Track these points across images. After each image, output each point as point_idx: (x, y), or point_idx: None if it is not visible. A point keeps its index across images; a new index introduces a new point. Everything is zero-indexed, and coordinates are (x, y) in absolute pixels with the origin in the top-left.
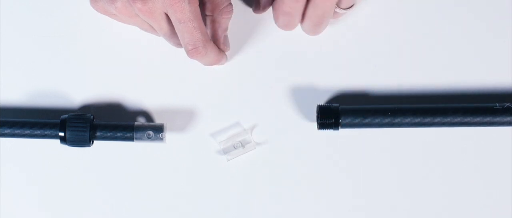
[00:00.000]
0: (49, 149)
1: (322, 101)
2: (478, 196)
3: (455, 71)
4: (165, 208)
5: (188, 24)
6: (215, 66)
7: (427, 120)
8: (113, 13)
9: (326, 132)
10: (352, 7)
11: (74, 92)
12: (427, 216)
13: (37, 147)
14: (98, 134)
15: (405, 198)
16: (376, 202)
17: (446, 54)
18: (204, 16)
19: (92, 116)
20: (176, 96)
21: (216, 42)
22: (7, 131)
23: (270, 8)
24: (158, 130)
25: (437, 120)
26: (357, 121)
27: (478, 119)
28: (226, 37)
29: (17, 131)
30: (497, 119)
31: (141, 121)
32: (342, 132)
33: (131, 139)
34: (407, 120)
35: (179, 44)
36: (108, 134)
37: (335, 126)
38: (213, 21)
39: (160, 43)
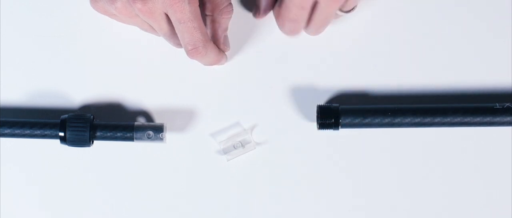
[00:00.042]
0: (49, 149)
1: (322, 101)
2: (478, 196)
3: (455, 71)
4: (165, 208)
5: (188, 24)
6: (215, 66)
7: (427, 120)
8: (113, 13)
9: (326, 132)
10: (353, 9)
11: (74, 92)
12: (427, 216)
13: (37, 147)
14: (98, 134)
15: (405, 198)
16: (376, 202)
17: (446, 54)
18: (204, 16)
19: (92, 116)
20: (176, 96)
21: (216, 42)
22: (7, 131)
23: (271, 13)
24: (158, 130)
25: (437, 120)
26: (357, 121)
27: (478, 119)
28: (226, 37)
29: (17, 131)
30: (497, 119)
31: (141, 121)
32: (342, 132)
33: (131, 139)
34: (407, 120)
35: (179, 44)
36: (108, 134)
37: (335, 126)
38: (213, 21)
39: (160, 43)
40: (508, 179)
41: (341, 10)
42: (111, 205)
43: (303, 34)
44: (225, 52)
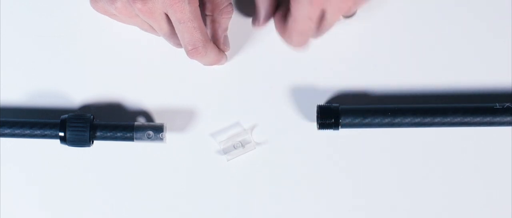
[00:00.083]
0: (49, 149)
1: (322, 101)
2: (478, 196)
3: (455, 71)
4: (165, 208)
5: (188, 24)
6: (215, 66)
7: (427, 120)
8: (113, 13)
9: (326, 132)
10: (354, 14)
11: (74, 92)
12: (427, 216)
13: (37, 147)
14: (98, 134)
15: (405, 198)
16: (376, 202)
17: (446, 54)
18: (204, 16)
19: (92, 116)
20: (176, 96)
21: (216, 42)
22: (7, 131)
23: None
24: (158, 130)
25: (437, 120)
26: (357, 121)
27: (478, 119)
28: (226, 37)
29: (17, 131)
30: (497, 119)
31: (141, 121)
32: (342, 132)
33: (131, 139)
34: (407, 120)
35: (179, 44)
36: (108, 134)
37: (335, 126)
38: (213, 21)
39: (160, 43)
40: (508, 179)
41: (343, 15)
42: (111, 205)
43: None
44: (225, 52)
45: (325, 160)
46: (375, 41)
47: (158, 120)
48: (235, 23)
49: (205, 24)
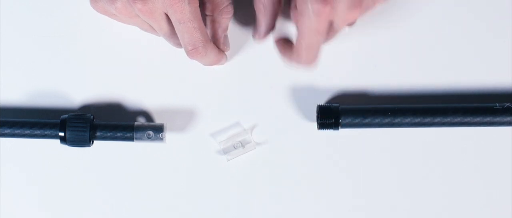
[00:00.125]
0: (49, 149)
1: (322, 101)
2: (478, 196)
3: (455, 71)
4: (165, 208)
5: (188, 24)
6: (215, 66)
7: (427, 120)
8: (113, 14)
9: (326, 132)
10: (354, 23)
11: (74, 92)
12: (427, 216)
13: (37, 147)
14: (98, 134)
15: (405, 198)
16: (376, 202)
17: (446, 54)
18: (204, 16)
19: (92, 116)
20: (176, 96)
21: (216, 43)
22: (7, 131)
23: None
24: (158, 130)
25: (437, 120)
26: (357, 121)
27: (478, 119)
28: (226, 37)
29: (17, 131)
30: (497, 119)
31: (141, 121)
32: (342, 132)
33: (131, 139)
34: (407, 120)
35: (179, 45)
36: (108, 134)
37: (335, 126)
38: (213, 21)
39: (160, 43)
40: (508, 179)
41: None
42: (111, 205)
43: None
44: (225, 52)
45: (325, 160)
46: (375, 41)
47: (158, 120)
48: (235, 23)
49: (205, 24)
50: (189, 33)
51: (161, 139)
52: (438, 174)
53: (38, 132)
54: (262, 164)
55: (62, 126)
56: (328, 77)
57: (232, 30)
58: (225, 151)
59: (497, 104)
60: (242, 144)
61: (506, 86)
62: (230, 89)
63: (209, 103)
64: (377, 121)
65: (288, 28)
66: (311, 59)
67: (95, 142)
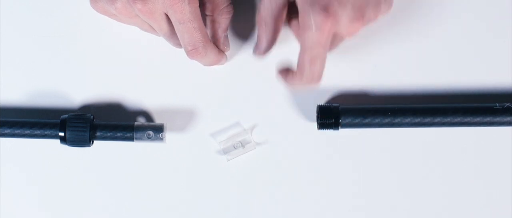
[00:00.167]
0: (49, 149)
1: (322, 101)
2: (478, 196)
3: (455, 71)
4: (165, 208)
5: (188, 24)
6: (215, 66)
7: (427, 120)
8: (113, 14)
9: (326, 132)
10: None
11: (74, 92)
12: (427, 216)
13: (37, 147)
14: (98, 134)
15: (405, 198)
16: (376, 202)
17: (446, 54)
18: (204, 16)
19: (92, 116)
20: (176, 96)
21: (216, 43)
22: (7, 131)
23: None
24: (158, 130)
25: (437, 120)
26: (357, 121)
27: (478, 119)
28: (226, 37)
29: (17, 131)
30: (497, 119)
31: (141, 121)
32: (342, 132)
33: (131, 139)
34: (407, 120)
35: (179, 45)
36: (108, 134)
37: (335, 126)
38: (213, 21)
39: (160, 43)
40: (508, 179)
41: None
42: (111, 205)
43: None
44: (225, 52)
45: (325, 160)
46: (376, 41)
47: (158, 120)
48: (235, 23)
49: (205, 24)
50: (189, 34)
51: (161, 139)
52: (438, 174)
53: (38, 132)
54: (262, 164)
55: (62, 126)
56: (328, 77)
57: (232, 30)
58: (225, 151)
59: (497, 104)
60: (242, 144)
61: (506, 86)
62: (230, 89)
63: (209, 103)
64: (377, 121)
65: (288, 43)
66: (315, 74)
67: (95, 142)
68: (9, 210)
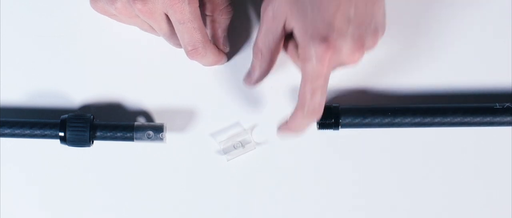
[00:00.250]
0: (49, 149)
1: None
2: (478, 196)
3: (455, 71)
4: (165, 208)
5: (188, 25)
6: (215, 66)
7: (427, 120)
8: (113, 14)
9: (326, 132)
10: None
11: (74, 92)
12: (427, 216)
13: (37, 147)
14: (98, 134)
15: (405, 198)
16: (376, 202)
17: (446, 54)
18: (204, 16)
19: (92, 116)
20: (176, 96)
21: (216, 43)
22: (7, 131)
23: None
24: (158, 130)
25: (437, 120)
26: (357, 120)
27: (478, 119)
28: (226, 37)
29: (17, 131)
30: (497, 119)
31: (141, 121)
32: (342, 132)
33: (131, 139)
34: (407, 120)
35: (179, 45)
36: (108, 134)
37: (335, 126)
38: (213, 21)
39: (160, 43)
40: (508, 179)
41: None
42: (111, 205)
43: None
44: (225, 52)
45: (325, 160)
46: None
47: (158, 120)
48: (235, 23)
49: (205, 24)
50: (189, 34)
51: (161, 139)
52: (438, 174)
53: (38, 132)
54: (262, 164)
55: (62, 126)
56: None
57: (232, 30)
58: (225, 151)
59: (497, 104)
60: (242, 144)
61: (506, 86)
62: (230, 89)
63: (209, 103)
64: (377, 121)
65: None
66: (316, 105)
67: (95, 142)
68: (9, 210)
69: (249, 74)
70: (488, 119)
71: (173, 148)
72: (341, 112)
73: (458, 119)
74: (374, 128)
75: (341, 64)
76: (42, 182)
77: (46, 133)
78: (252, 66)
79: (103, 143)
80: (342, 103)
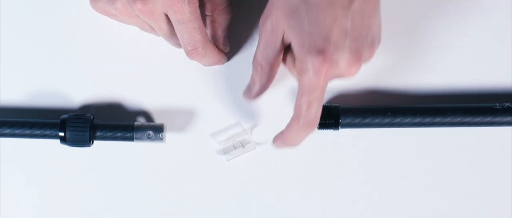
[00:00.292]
0: (49, 149)
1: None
2: (478, 196)
3: (455, 71)
4: (165, 208)
5: (188, 25)
6: (215, 66)
7: (427, 120)
8: (113, 14)
9: (326, 132)
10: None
11: (74, 92)
12: (427, 216)
13: (37, 147)
14: (98, 134)
15: (405, 198)
16: (376, 202)
17: (446, 54)
18: (204, 16)
19: (92, 116)
20: (176, 96)
21: (216, 43)
22: (7, 131)
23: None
24: (158, 130)
25: (437, 120)
26: (357, 120)
27: (478, 119)
28: (226, 37)
29: (17, 131)
30: (497, 119)
31: (141, 121)
32: (342, 132)
33: (131, 139)
34: (407, 120)
35: (178, 45)
36: (108, 134)
37: (335, 126)
38: (213, 21)
39: (160, 43)
40: (508, 179)
41: None
42: (111, 205)
43: None
44: (225, 52)
45: (325, 160)
46: None
47: (158, 120)
48: (235, 23)
49: (205, 24)
50: (189, 34)
51: (161, 139)
52: (438, 174)
53: (38, 132)
54: (262, 164)
55: (62, 126)
56: None
57: (232, 30)
58: (225, 151)
59: (497, 104)
60: (242, 144)
61: (506, 86)
62: (230, 89)
63: (209, 103)
64: (377, 121)
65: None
66: (312, 116)
67: (95, 142)
68: (9, 210)
69: (249, 88)
70: (488, 119)
71: (173, 148)
72: (341, 112)
73: (458, 119)
74: (374, 128)
75: (338, 76)
76: (42, 182)
77: (46, 133)
78: (252, 80)
79: (103, 143)
80: (342, 103)
